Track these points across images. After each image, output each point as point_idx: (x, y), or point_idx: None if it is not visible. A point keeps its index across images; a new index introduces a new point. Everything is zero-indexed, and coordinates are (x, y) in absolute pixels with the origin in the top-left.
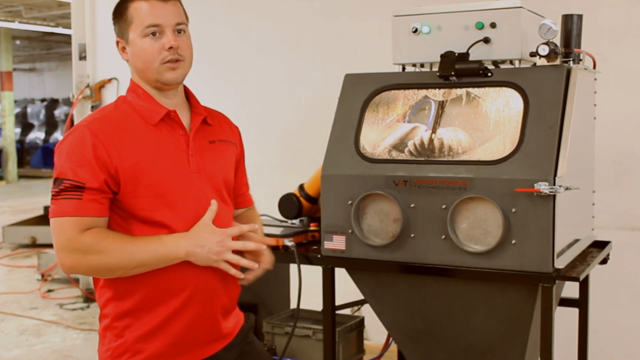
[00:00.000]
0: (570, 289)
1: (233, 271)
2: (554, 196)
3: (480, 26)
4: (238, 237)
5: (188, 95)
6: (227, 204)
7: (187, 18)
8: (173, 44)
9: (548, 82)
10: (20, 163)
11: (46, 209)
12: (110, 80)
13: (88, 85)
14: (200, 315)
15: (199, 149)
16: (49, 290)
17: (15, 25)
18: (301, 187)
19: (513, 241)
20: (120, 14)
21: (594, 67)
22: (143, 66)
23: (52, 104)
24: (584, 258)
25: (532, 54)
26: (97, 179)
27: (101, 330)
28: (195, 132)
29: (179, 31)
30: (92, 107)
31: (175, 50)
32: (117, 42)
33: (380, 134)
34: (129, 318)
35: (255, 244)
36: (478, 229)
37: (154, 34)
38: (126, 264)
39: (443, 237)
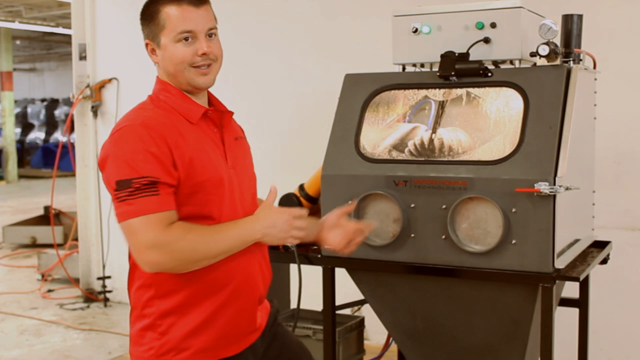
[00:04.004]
0: (570, 289)
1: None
2: (554, 196)
3: (480, 26)
4: None
5: (207, 93)
6: (256, 197)
7: (216, 20)
8: (206, 50)
9: (548, 82)
10: (21, 163)
11: (46, 209)
12: (110, 80)
13: (88, 85)
14: (243, 307)
15: (230, 146)
16: (49, 290)
17: (15, 25)
18: (301, 187)
19: (513, 241)
20: (150, 17)
21: (594, 67)
22: (175, 70)
23: (52, 104)
24: (584, 258)
25: (532, 54)
26: (168, 174)
27: (138, 330)
28: (226, 129)
29: (210, 35)
30: (92, 107)
31: (207, 56)
32: (147, 44)
33: (381, 134)
34: (174, 315)
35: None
36: (478, 229)
37: (186, 39)
38: (211, 253)
39: (443, 237)
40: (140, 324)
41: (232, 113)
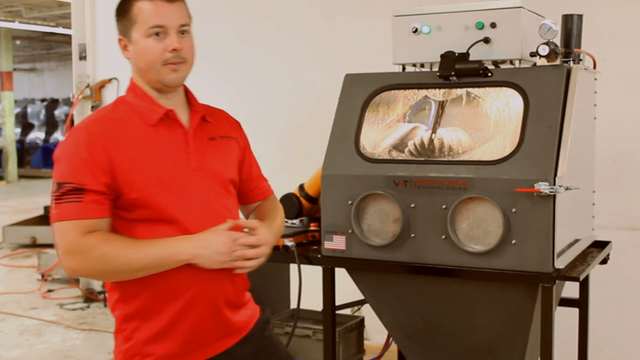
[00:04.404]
0: (570, 289)
1: (239, 271)
2: (554, 196)
3: (480, 26)
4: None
5: (187, 93)
6: (232, 198)
7: (190, 18)
8: (177, 46)
9: (548, 82)
10: (21, 163)
11: (46, 209)
12: (110, 80)
13: (88, 85)
14: (207, 313)
15: (199, 146)
16: (49, 290)
17: (15, 25)
18: (301, 187)
19: (513, 241)
20: (123, 12)
21: (594, 67)
22: (145, 66)
23: (52, 104)
24: (584, 258)
25: (532, 54)
26: (97, 181)
27: (114, 332)
28: (194, 130)
29: (183, 32)
30: (92, 107)
31: (178, 52)
32: (119, 40)
33: (380, 134)
34: (136, 320)
35: (257, 239)
36: (478, 229)
37: (157, 34)
38: (128, 268)
39: (443, 237)
40: (115, 326)
41: (202, 113)
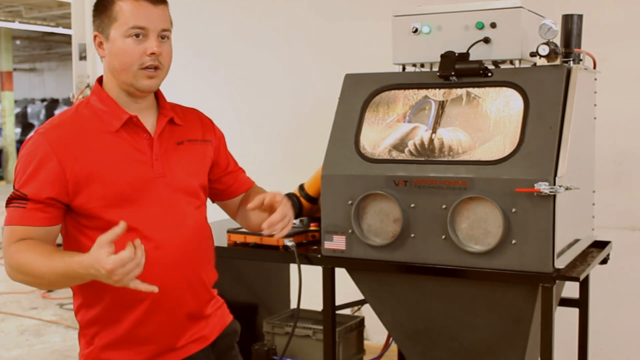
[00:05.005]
0: (570, 289)
1: (143, 287)
2: (554, 196)
3: (480, 26)
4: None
5: (157, 95)
6: (200, 204)
7: (171, 24)
8: (156, 50)
9: (548, 82)
10: None
11: None
12: None
13: (88, 85)
14: (166, 322)
15: (165, 152)
16: (49, 290)
17: (15, 25)
18: (301, 187)
19: (513, 241)
20: (103, 7)
21: (594, 67)
22: (120, 67)
23: (52, 104)
24: (584, 258)
25: (532, 54)
26: (41, 192)
27: (78, 336)
28: (160, 134)
29: (163, 37)
30: None
31: (156, 57)
32: (95, 37)
33: (381, 134)
34: (97, 326)
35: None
36: (478, 229)
37: (137, 35)
38: (42, 281)
39: (443, 237)
40: (79, 330)
41: (169, 116)
